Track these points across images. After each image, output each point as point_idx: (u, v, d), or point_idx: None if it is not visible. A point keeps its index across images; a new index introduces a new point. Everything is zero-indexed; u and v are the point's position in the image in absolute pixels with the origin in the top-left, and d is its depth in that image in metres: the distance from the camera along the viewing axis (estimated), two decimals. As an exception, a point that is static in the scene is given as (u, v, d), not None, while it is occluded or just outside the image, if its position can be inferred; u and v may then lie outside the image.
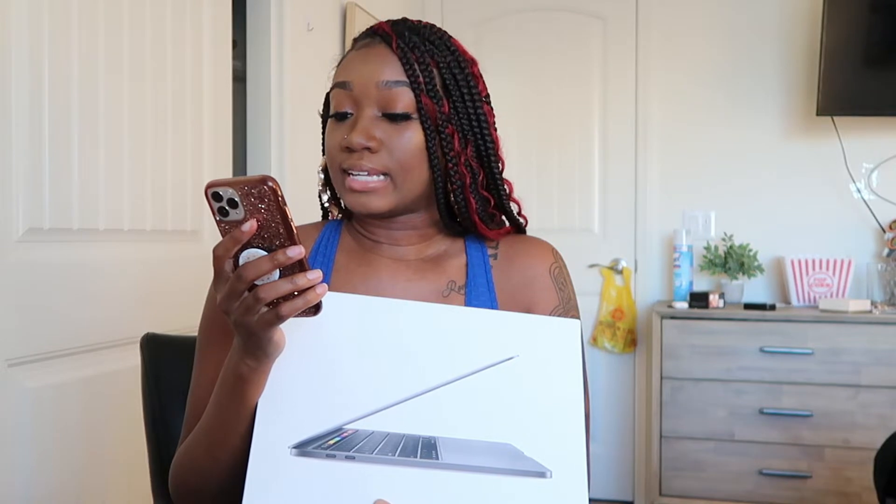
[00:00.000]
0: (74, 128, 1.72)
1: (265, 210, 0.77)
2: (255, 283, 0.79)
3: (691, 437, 3.07)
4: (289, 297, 0.80)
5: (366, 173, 0.97)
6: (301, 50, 2.65)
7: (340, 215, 1.11)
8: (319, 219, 1.14)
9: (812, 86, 3.30)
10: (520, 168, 3.60)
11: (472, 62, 1.03)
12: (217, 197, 0.77)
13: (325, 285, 0.81)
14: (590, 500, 0.89)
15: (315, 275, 0.79)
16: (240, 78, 2.62)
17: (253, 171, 2.58)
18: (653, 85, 3.54)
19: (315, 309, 0.82)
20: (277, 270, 0.79)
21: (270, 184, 0.75)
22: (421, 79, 0.97)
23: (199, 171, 2.16)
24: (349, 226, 1.09)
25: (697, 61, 3.50)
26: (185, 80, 2.09)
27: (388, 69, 0.97)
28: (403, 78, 0.97)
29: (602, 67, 3.59)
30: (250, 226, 0.77)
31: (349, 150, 0.97)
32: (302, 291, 0.80)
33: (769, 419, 2.99)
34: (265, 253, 0.79)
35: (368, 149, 0.96)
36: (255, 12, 2.57)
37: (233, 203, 0.77)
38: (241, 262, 0.80)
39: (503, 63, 3.65)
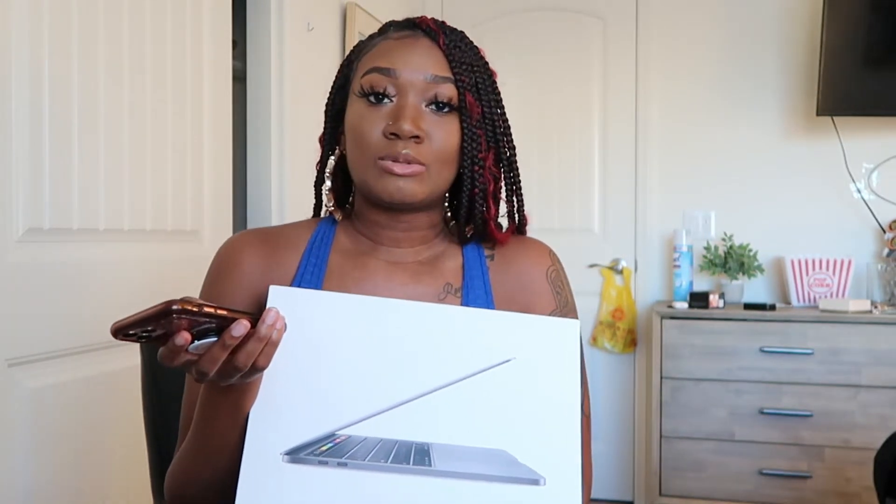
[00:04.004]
0: (74, 128, 1.72)
1: (187, 318, 0.72)
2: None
3: (691, 437, 3.07)
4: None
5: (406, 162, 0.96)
6: (301, 50, 2.65)
7: (339, 216, 1.07)
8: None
9: (812, 86, 3.30)
10: (520, 168, 3.60)
11: (495, 73, 1.05)
12: (129, 335, 0.73)
13: (284, 323, 0.82)
14: (591, 500, 0.89)
15: (271, 319, 0.80)
16: (240, 78, 2.62)
17: (254, 174, 2.57)
18: (653, 85, 3.53)
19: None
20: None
21: (176, 307, 0.70)
22: (465, 77, 0.99)
23: (199, 171, 2.16)
24: (345, 225, 1.06)
25: (697, 61, 3.50)
26: (185, 80, 2.09)
27: (436, 64, 0.98)
28: (450, 75, 0.98)
29: (602, 67, 3.59)
30: (183, 339, 0.74)
31: (394, 136, 0.95)
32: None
33: (769, 419, 2.99)
34: (214, 338, 0.77)
35: (416, 137, 0.95)
36: (255, 12, 2.57)
37: (148, 333, 0.73)
38: (193, 346, 0.77)
39: (503, 63, 3.62)
